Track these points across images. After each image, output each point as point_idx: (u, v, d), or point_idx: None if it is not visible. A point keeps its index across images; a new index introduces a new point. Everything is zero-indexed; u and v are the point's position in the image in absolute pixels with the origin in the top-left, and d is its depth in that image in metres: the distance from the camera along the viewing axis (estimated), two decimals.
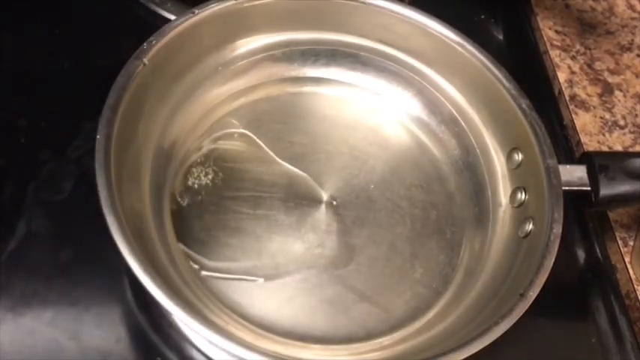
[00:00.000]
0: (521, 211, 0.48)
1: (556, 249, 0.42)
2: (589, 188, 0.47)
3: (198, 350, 0.42)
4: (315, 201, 0.49)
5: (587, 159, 0.48)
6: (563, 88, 0.60)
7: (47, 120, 0.50)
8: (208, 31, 0.48)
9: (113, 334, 0.42)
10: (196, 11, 0.47)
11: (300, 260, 0.46)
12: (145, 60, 0.43)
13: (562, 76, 0.61)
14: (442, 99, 0.53)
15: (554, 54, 0.62)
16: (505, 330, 0.39)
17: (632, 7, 0.67)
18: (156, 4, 0.57)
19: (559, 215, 0.44)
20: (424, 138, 0.54)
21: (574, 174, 0.47)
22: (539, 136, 0.47)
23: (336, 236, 0.48)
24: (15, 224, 0.45)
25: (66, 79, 0.53)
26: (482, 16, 0.66)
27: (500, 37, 0.65)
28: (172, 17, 0.56)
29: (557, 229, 0.43)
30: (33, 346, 0.41)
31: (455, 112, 0.53)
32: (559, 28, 0.64)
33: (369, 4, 0.51)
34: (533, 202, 0.47)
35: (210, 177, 0.48)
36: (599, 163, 0.47)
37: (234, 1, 0.48)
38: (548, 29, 0.64)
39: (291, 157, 0.51)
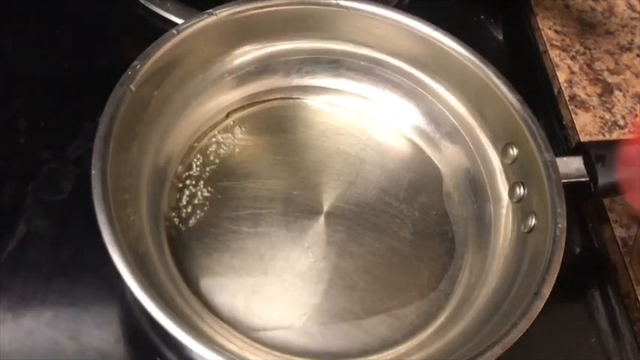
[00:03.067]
0: (522, 207, 0.48)
1: (564, 243, 0.42)
2: (587, 179, 0.47)
3: (193, 350, 0.42)
4: (314, 212, 0.48)
5: (583, 149, 0.48)
6: (563, 88, 0.60)
7: (47, 120, 0.50)
8: (193, 49, 0.47)
9: (112, 334, 0.42)
10: (178, 30, 0.46)
11: (306, 276, 0.46)
12: (132, 86, 0.42)
13: (562, 76, 0.61)
14: (430, 98, 0.53)
15: (554, 54, 0.62)
16: (524, 331, 0.39)
17: (632, 7, 0.67)
18: (156, 5, 0.57)
19: (562, 209, 0.44)
20: (416, 139, 0.54)
21: (571, 165, 0.47)
22: (532, 130, 0.47)
23: (339, 247, 0.47)
24: (15, 224, 0.45)
25: (66, 79, 0.53)
26: (482, 17, 0.66)
27: (500, 37, 0.65)
28: (172, 17, 0.56)
29: (563, 224, 0.43)
30: (32, 346, 0.41)
31: (445, 111, 0.53)
32: (559, 28, 0.64)
33: (350, 8, 0.50)
34: (534, 196, 0.47)
35: (206, 198, 0.47)
36: (595, 153, 0.47)
37: (215, 16, 0.47)
38: (547, 29, 0.64)
39: (285, 169, 0.50)
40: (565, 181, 0.46)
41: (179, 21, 0.56)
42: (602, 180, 0.47)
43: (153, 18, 0.57)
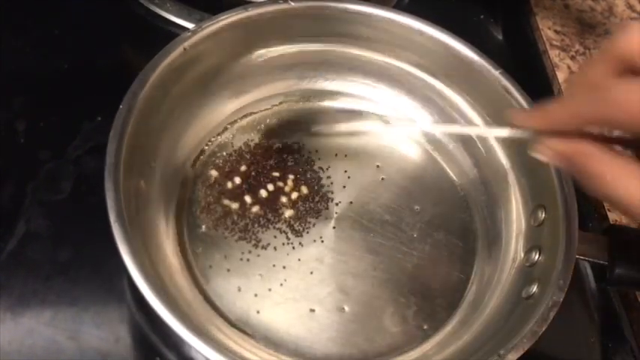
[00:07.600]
0: (529, 271, 0.45)
1: (551, 318, 0.40)
2: (606, 262, 0.44)
3: (198, 351, 0.42)
4: (323, 218, 0.48)
5: (613, 232, 0.45)
6: (563, 88, 0.60)
7: (47, 120, 0.50)
8: (205, 53, 0.47)
9: (112, 334, 0.42)
10: (190, 33, 0.46)
11: (314, 281, 0.45)
12: (144, 91, 0.43)
13: (561, 75, 0.61)
14: (444, 105, 0.53)
15: (554, 54, 0.62)
16: (536, 339, 0.39)
17: (631, 7, 0.67)
18: (156, 5, 0.57)
19: (564, 283, 0.41)
20: (429, 147, 0.53)
21: (593, 244, 0.44)
22: (566, 197, 0.44)
23: (348, 253, 0.47)
24: (14, 224, 0.45)
25: (66, 79, 0.53)
26: (482, 16, 0.66)
27: (500, 37, 0.65)
28: (172, 18, 0.57)
29: (558, 297, 0.41)
30: (32, 345, 0.41)
31: (460, 119, 0.52)
32: (558, 28, 0.64)
33: (359, 12, 0.50)
34: (544, 264, 0.44)
35: (217, 201, 0.47)
36: (623, 239, 0.44)
37: (226, 21, 0.47)
38: (547, 29, 0.64)
39: (295, 174, 0.50)
40: (581, 257, 0.43)
41: (179, 21, 0.56)
42: (620, 271, 0.43)
43: (153, 18, 0.57)
